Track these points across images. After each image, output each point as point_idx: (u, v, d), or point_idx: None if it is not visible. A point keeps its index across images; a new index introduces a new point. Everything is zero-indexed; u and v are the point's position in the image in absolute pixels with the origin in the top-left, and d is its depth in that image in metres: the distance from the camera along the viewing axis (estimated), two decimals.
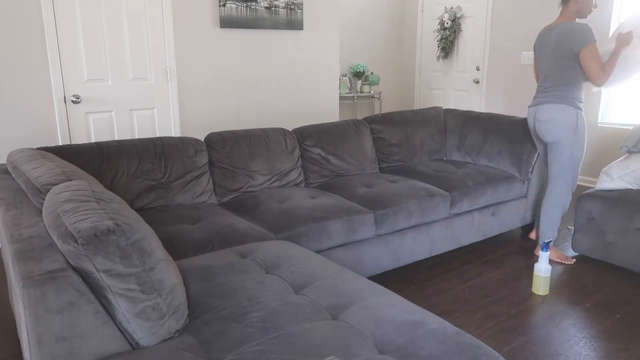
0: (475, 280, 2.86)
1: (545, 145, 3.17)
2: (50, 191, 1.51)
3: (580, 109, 2.91)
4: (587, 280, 2.87)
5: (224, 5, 3.96)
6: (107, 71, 3.58)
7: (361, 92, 6.18)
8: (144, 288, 1.27)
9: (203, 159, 2.78)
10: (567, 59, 2.84)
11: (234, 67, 4.17)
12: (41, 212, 1.58)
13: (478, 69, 5.69)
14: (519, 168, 3.33)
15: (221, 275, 1.70)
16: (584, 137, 2.95)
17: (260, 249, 1.97)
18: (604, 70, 2.77)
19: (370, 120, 3.51)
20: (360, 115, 6.52)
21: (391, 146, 3.50)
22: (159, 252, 1.35)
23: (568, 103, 2.87)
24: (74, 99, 3.46)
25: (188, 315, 1.45)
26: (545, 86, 2.98)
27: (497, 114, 3.66)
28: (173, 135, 3.42)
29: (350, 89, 6.15)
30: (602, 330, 2.33)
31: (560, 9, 2.95)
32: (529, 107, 3.11)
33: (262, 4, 4.14)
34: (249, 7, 4.08)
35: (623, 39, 2.85)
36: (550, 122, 2.91)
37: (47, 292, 1.19)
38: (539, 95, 3.02)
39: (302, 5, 4.37)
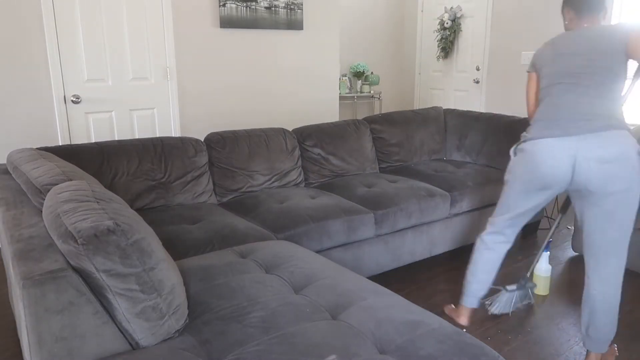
0: None
1: (565, 201, 2.14)
2: (50, 191, 1.51)
3: None
4: None
5: (224, 5, 3.96)
6: (107, 71, 3.58)
7: (361, 92, 6.18)
8: (144, 288, 1.27)
9: (203, 159, 2.78)
10: (618, 62, 1.95)
11: (234, 67, 4.16)
12: (41, 212, 1.58)
13: (478, 69, 5.69)
14: None
15: (221, 275, 1.70)
16: None
17: (260, 249, 1.97)
18: None
19: (370, 120, 3.51)
20: (360, 115, 6.52)
21: (391, 146, 3.50)
22: (159, 252, 1.35)
23: (628, 129, 1.95)
24: (74, 99, 3.46)
25: (188, 315, 1.45)
26: (581, 106, 1.96)
27: (497, 114, 3.66)
28: (173, 135, 3.42)
29: (350, 89, 6.15)
30: None
31: (580, 18, 2.13)
32: (535, 138, 2.01)
33: (262, 4, 4.14)
34: (249, 7, 4.08)
35: None
36: (621, 161, 1.87)
37: (47, 292, 1.19)
38: (569, 120, 1.95)
39: (302, 5, 4.37)
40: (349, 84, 6.11)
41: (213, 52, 4.02)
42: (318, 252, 2.48)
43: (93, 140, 3.60)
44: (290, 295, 1.59)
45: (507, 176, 2.18)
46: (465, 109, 3.97)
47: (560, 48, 2.11)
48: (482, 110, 5.75)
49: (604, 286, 2.04)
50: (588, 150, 1.88)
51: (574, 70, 2.01)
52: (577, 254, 3.21)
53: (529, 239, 3.50)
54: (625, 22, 1.99)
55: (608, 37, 1.98)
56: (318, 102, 4.74)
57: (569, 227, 3.70)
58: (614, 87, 1.96)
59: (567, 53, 2.06)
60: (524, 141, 2.07)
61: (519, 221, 2.26)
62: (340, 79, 5.88)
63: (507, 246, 2.34)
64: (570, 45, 2.07)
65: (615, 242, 1.96)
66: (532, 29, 5.16)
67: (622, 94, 2.02)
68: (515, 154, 2.14)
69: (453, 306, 2.51)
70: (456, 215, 3.06)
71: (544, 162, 1.97)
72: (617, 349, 2.19)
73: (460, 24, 5.79)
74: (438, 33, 6.01)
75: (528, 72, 2.30)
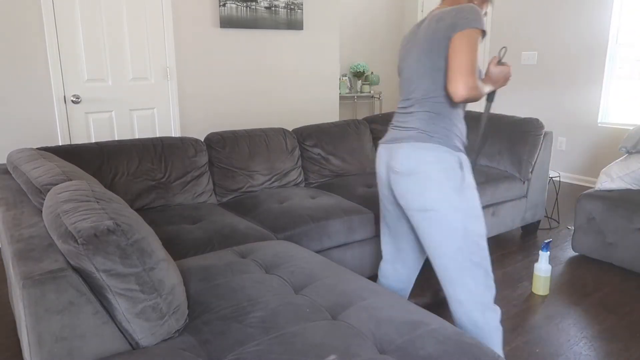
0: None
1: (401, 212, 1.93)
2: (50, 191, 1.51)
3: (462, 150, 1.74)
4: (587, 280, 2.87)
5: (224, 5, 3.96)
6: (107, 71, 3.58)
7: (361, 92, 6.18)
8: (144, 288, 1.27)
9: (203, 159, 2.78)
10: (441, 54, 1.69)
11: (234, 67, 4.17)
12: (41, 212, 1.58)
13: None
14: (519, 168, 3.33)
15: (221, 275, 1.70)
16: (476, 197, 1.73)
17: (260, 249, 1.97)
18: (474, 77, 1.60)
19: (370, 120, 3.51)
20: (360, 115, 6.52)
21: None
22: (159, 252, 1.35)
23: (442, 140, 1.71)
24: (74, 99, 3.46)
25: (188, 315, 1.45)
26: (405, 108, 1.82)
27: (497, 114, 3.66)
28: (173, 135, 3.42)
29: (350, 89, 6.15)
30: (602, 330, 2.33)
31: None
32: (379, 142, 1.92)
33: (262, 4, 4.14)
34: (249, 7, 4.08)
35: (503, 73, 1.81)
36: (411, 175, 1.71)
37: (47, 292, 1.19)
38: (394, 124, 1.87)
39: (302, 5, 4.37)
40: (349, 84, 6.11)
41: (213, 52, 4.02)
42: (318, 252, 2.48)
43: (93, 140, 3.60)
44: (290, 295, 1.59)
45: None
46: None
47: (402, 45, 1.92)
48: (482, 110, 5.74)
49: (453, 309, 1.83)
50: (388, 159, 1.81)
51: (406, 72, 1.83)
52: (577, 254, 3.21)
53: (529, 239, 3.50)
54: (468, 10, 1.66)
55: (439, 26, 1.70)
56: (318, 102, 4.74)
57: (569, 227, 3.70)
58: (436, 93, 1.73)
59: (406, 48, 1.87)
60: None
61: (403, 249, 1.99)
62: (340, 79, 5.88)
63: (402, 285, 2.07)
64: (409, 40, 1.87)
65: (445, 270, 1.75)
66: (533, 29, 5.16)
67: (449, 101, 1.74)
68: None
69: None
70: None
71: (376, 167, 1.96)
72: (618, 350, 2.19)
73: None
74: None
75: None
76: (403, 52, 1.87)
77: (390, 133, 1.84)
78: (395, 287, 2.08)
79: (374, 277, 2.83)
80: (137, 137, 3.79)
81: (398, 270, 2.05)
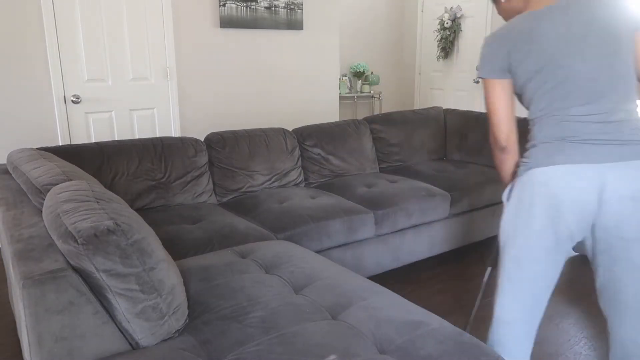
0: (476, 280, 2.86)
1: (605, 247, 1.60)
2: (50, 191, 1.51)
3: None
4: (587, 280, 2.87)
5: (224, 5, 3.96)
6: (107, 71, 3.58)
7: (361, 92, 6.18)
8: (144, 288, 1.27)
9: (203, 159, 2.78)
10: (630, 50, 1.44)
11: (234, 67, 4.16)
12: (41, 212, 1.58)
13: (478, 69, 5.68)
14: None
15: (221, 275, 1.70)
16: None
17: (260, 249, 1.97)
18: None
19: (370, 120, 3.51)
20: (360, 115, 6.52)
21: (391, 146, 3.50)
22: (159, 252, 1.35)
23: None
24: (74, 99, 3.46)
25: (188, 315, 1.45)
26: (596, 115, 1.44)
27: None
28: (173, 135, 3.42)
29: (350, 89, 6.15)
30: (602, 330, 2.33)
31: None
32: (556, 162, 1.48)
33: (262, 4, 4.14)
34: (249, 7, 4.08)
35: None
36: None
37: (47, 292, 1.19)
38: (589, 136, 1.44)
39: (302, 5, 4.37)
40: (349, 84, 6.11)
41: (213, 52, 4.02)
42: (318, 252, 2.48)
43: (93, 140, 3.60)
44: (290, 295, 1.59)
45: (509, 233, 1.62)
46: (465, 109, 3.97)
47: (546, 39, 1.46)
48: (482, 110, 5.75)
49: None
50: (621, 184, 1.38)
51: (583, 68, 1.43)
52: (577, 254, 3.21)
53: None
54: None
55: (620, 16, 1.41)
56: (318, 102, 4.74)
57: None
58: (633, 95, 1.45)
59: (571, 37, 1.44)
60: (526, 170, 1.52)
61: (542, 302, 1.67)
62: (340, 79, 5.88)
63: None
64: (562, 33, 1.45)
65: None
66: None
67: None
68: (508, 197, 1.58)
69: None
70: (456, 215, 3.06)
71: (560, 197, 1.44)
72: None
73: (460, 24, 5.79)
74: (438, 33, 6.01)
75: (483, 77, 1.65)
76: (566, 44, 1.44)
77: (598, 149, 1.41)
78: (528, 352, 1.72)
79: (374, 277, 2.83)
80: (137, 137, 3.79)
81: (528, 329, 1.72)
